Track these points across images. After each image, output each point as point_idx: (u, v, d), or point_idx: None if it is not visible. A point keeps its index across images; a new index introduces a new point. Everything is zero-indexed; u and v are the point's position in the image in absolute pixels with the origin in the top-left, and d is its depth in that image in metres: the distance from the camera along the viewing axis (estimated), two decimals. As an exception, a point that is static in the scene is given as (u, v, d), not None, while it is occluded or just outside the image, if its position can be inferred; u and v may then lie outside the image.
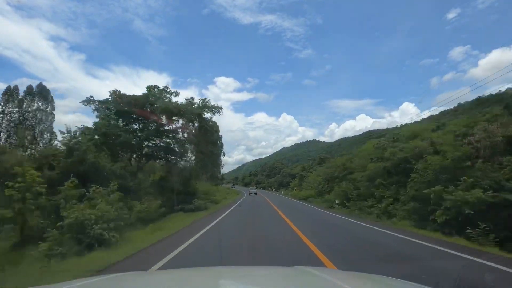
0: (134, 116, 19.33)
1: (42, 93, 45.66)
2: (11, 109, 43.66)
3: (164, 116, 18.43)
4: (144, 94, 18.62)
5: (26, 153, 15.84)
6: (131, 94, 18.64)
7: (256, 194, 48.16)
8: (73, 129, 13.70)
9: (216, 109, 18.94)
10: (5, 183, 7.85)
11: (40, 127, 43.84)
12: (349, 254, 6.37)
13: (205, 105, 18.74)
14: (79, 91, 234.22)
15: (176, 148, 20.14)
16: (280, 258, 5.85)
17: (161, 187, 19.85)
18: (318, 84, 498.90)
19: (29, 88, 45.86)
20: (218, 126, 60.50)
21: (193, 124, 19.51)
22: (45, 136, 42.21)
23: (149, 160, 21.25)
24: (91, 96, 18.21)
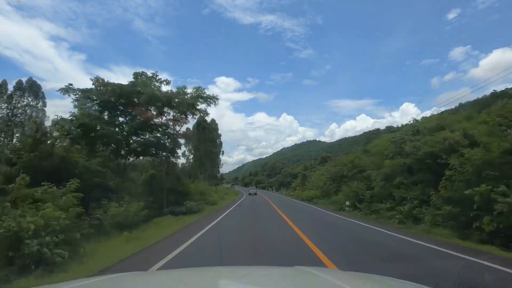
0: (121, 108, 17.34)
1: (32, 88, 43.63)
2: (-1, 105, 41.59)
3: (152, 108, 16.36)
4: (131, 83, 16.55)
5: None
6: (117, 82, 16.58)
7: (255, 194, 47.78)
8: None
9: (211, 100, 16.85)
10: None
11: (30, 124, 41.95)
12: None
13: (199, 95, 16.66)
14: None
15: (167, 143, 18.07)
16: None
17: (151, 186, 17.85)
18: (318, 84, 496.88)
19: (19, 83, 43.81)
20: (217, 124, 58.90)
21: (186, 116, 17.44)
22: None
23: (138, 156, 19.21)
24: (70, 84, 16.14)
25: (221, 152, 59.50)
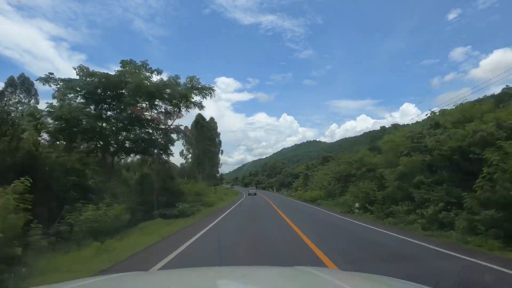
0: (109, 101, 15.81)
1: (24, 85, 42.06)
2: (-11, 102, 39.93)
3: (142, 99, 14.81)
4: (118, 73, 15.00)
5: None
6: (103, 72, 15.04)
7: (255, 194, 47.72)
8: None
9: (207, 91, 15.28)
10: None
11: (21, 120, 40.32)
12: None
13: (193, 86, 15.08)
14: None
15: (160, 139, 16.51)
16: None
17: (142, 187, 16.30)
18: (318, 84, 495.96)
19: (11, 79, 42.24)
20: (216, 122, 57.32)
21: (179, 109, 15.86)
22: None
23: (128, 154, 17.67)
24: (51, 73, 14.61)
25: (220, 151, 57.95)
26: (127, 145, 16.95)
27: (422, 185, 11.26)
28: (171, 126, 15.83)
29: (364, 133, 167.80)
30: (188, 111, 15.89)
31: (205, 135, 49.94)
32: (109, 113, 15.97)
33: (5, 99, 41.10)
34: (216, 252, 6.49)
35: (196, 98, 15.75)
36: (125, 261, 5.83)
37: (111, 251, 6.83)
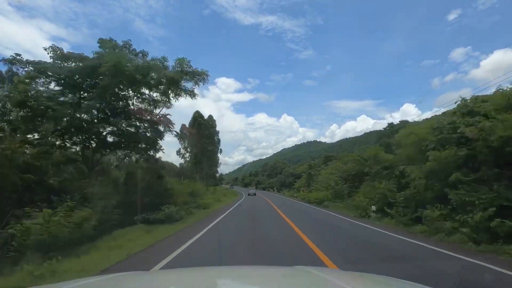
0: (88, 89, 13.73)
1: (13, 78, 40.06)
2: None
3: (122, 85, 12.71)
4: (97, 55, 12.90)
5: None
6: (79, 53, 12.99)
7: (255, 194, 47.61)
8: None
9: (199, 76, 13.17)
10: None
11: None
12: None
13: (182, 70, 12.94)
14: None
15: (148, 133, 14.42)
16: None
17: (127, 187, 14.24)
18: (318, 84, 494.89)
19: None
20: (214, 120, 55.32)
21: (168, 98, 13.76)
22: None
23: (113, 149, 15.58)
24: (18, 55, 12.55)
25: (219, 150, 55.82)
26: (110, 139, 14.92)
27: (461, 184, 9.19)
28: (157, 116, 13.68)
29: (365, 133, 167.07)
30: (177, 99, 13.80)
31: (203, 133, 47.87)
32: (86, 102, 13.82)
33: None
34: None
35: (188, 85, 13.66)
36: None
37: (48, 277, 4.77)
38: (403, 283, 1.59)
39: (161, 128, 14.01)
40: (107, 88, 11.98)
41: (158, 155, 16.74)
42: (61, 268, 5.30)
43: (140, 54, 13.38)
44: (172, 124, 13.87)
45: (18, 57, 12.57)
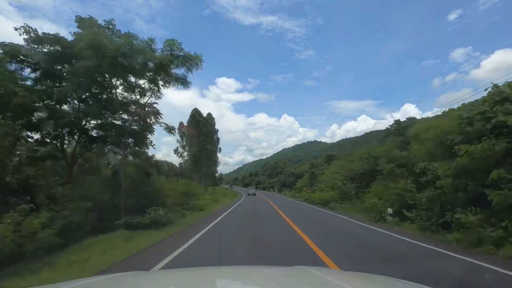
0: (69, 77, 12.17)
1: None
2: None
3: (102, 71, 11.11)
4: (77, 36, 11.31)
5: None
6: (55, 34, 11.42)
7: (254, 194, 46.78)
8: None
9: (192, 61, 11.58)
10: None
11: None
12: None
13: (172, 53, 11.30)
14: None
15: (135, 126, 12.86)
16: None
17: (112, 187, 12.72)
18: (319, 85, 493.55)
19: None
20: (213, 118, 53.73)
21: (157, 86, 12.16)
22: None
23: (97, 145, 14.02)
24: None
25: (218, 149, 54.16)
26: (93, 133, 13.38)
27: (503, 183, 7.63)
28: (143, 106, 12.08)
29: (365, 133, 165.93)
30: (167, 86, 12.19)
31: (201, 131, 46.28)
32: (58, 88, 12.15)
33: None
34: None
35: (179, 72, 12.06)
36: None
37: None
38: (403, 283, 1.57)
39: (148, 120, 12.40)
40: (86, 73, 10.39)
41: (149, 152, 15.22)
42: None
43: (127, 36, 11.76)
44: (160, 114, 12.26)
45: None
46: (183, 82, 12.16)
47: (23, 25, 11.26)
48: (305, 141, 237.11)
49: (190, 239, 7.79)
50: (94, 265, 5.40)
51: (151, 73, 11.75)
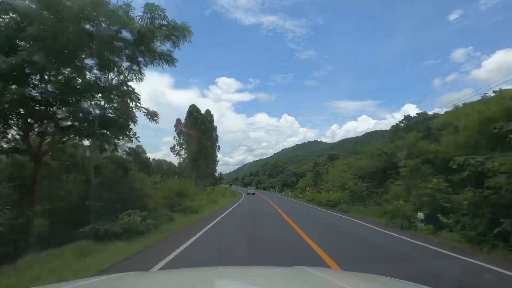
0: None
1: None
2: None
3: (66, 41, 8.98)
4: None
5: None
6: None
7: (254, 194, 46.46)
8: None
9: (178, 33, 9.50)
10: None
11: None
12: None
13: (154, 23, 9.18)
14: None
15: (111, 113, 10.74)
16: None
17: (88, 186, 10.61)
18: (319, 85, 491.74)
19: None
20: (212, 115, 51.49)
21: (138, 66, 10.07)
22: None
23: (69, 135, 11.91)
24: None
25: (217, 147, 52.01)
26: (66, 122, 11.27)
27: None
28: (114, 84, 9.95)
29: (366, 133, 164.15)
30: (150, 65, 10.09)
31: (199, 128, 44.20)
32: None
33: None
34: None
35: (165, 48, 9.97)
36: None
37: None
38: (403, 283, 1.56)
39: (126, 105, 10.29)
40: (45, 42, 8.29)
41: (132, 145, 13.14)
42: None
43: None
44: (137, 96, 10.12)
45: None
46: (168, 60, 10.05)
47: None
48: (306, 141, 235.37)
49: (163, 258, 5.66)
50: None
51: (127, 49, 9.64)
